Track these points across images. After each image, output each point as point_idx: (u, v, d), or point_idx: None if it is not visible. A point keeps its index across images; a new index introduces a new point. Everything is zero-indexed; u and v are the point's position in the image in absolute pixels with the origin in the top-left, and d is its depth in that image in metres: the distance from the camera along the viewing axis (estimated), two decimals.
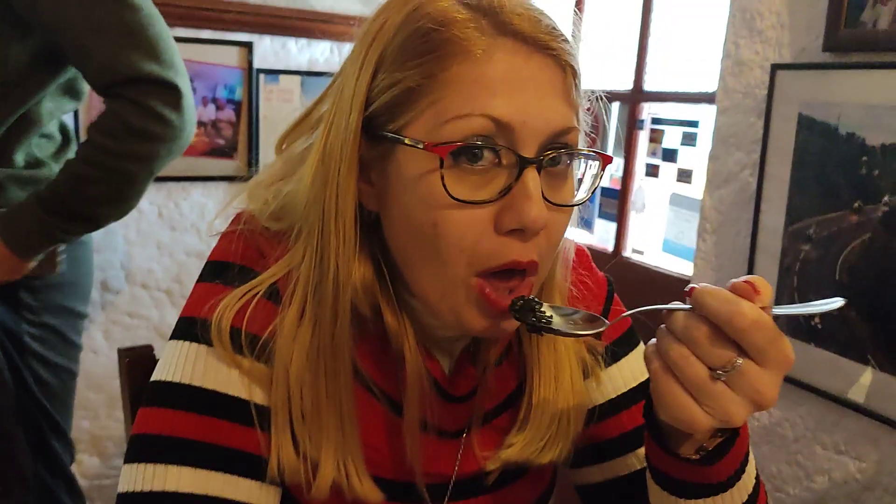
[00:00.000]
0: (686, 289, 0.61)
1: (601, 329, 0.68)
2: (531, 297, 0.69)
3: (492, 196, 0.65)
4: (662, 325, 0.63)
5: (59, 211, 1.49)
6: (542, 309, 0.69)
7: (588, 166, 0.74)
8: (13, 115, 1.52)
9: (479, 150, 0.65)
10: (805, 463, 1.72)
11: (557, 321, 0.68)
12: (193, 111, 1.55)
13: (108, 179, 1.49)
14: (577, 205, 0.72)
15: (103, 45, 1.43)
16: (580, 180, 0.75)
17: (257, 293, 0.73)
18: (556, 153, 0.67)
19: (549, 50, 0.67)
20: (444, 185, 0.64)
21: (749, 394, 0.59)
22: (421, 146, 0.65)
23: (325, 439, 0.71)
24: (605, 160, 0.72)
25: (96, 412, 2.59)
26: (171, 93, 1.48)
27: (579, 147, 0.71)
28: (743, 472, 0.71)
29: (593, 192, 0.74)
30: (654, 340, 0.64)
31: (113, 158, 1.47)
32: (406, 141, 0.66)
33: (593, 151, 0.72)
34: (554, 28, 0.68)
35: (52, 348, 1.71)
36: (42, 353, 1.68)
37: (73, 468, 2.45)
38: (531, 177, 0.65)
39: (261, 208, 0.78)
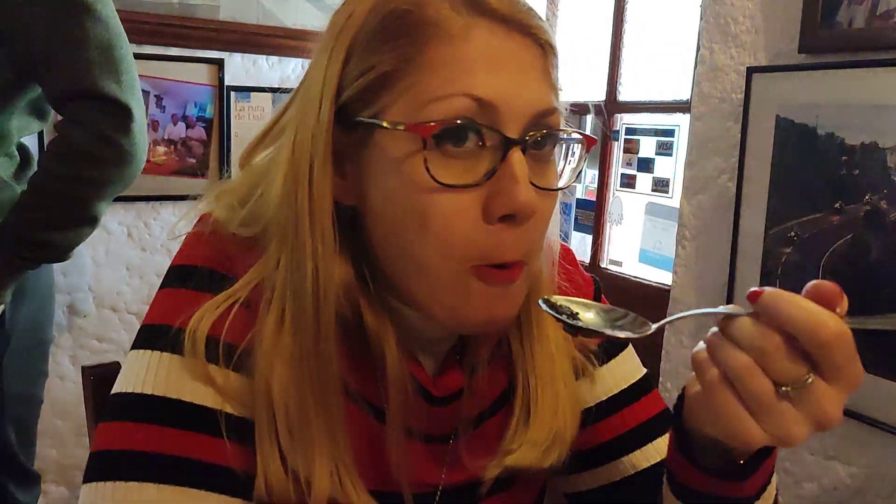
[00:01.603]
0: (750, 292, 0.55)
1: (647, 332, 0.62)
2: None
3: (477, 179, 0.63)
4: (714, 331, 0.58)
5: (14, 241, 1.46)
6: (566, 304, 0.64)
7: (570, 151, 0.72)
8: None
9: (462, 131, 0.62)
10: (793, 469, 1.70)
11: (593, 320, 0.63)
12: (145, 137, 1.53)
13: (58, 205, 1.47)
14: (563, 188, 0.70)
15: (68, 56, 1.41)
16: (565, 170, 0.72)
17: (234, 300, 0.69)
18: (540, 134, 0.65)
19: (527, 29, 0.65)
20: (428, 168, 0.61)
21: (814, 413, 0.54)
22: (402, 128, 0.63)
23: (317, 453, 0.67)
24: (589, 142, 0.70)
25: (63, 440, 2.50)
26: (124, 116, 1.46)
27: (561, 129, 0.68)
28: (769, 482, 0.68)
29: (578, 176, 0.71)
30: (701, 346, 0.59)
31: (61, 183, 1.45)
32: (385, 124, 0.64)
33: (577, 132, 0.70)
34: (530, 8, 0.67)
35: (18, 376, 1.64)
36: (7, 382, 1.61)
37: (39, 499, 2.36)
38: (517, 158, 0.63)
39: (228, 215, 0.74)
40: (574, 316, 0.63)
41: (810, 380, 0.53)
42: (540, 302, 0.64)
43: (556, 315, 0.63)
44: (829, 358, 0.52)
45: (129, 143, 1.47)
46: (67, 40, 1.40)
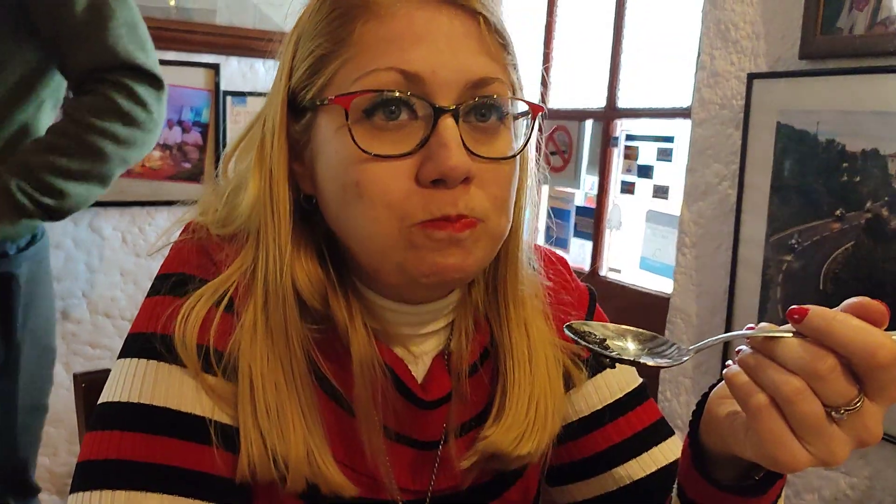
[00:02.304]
0: (792, 310, 0.53)
1: (686, 359, 0.60)
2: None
3: (409, 149, 0.64)
4: (750, 353, 0.56)
5: (24, 175, 1.43)
6: (591, 330, 0.62)
7: (526, 123, 0.72)
8: (14, 125, 1.52)
9: (391, 102, 0.63)
10: (794, 481, 1.68)
11: (630, 349, 0.61)
12: (165, 109, 1.60)
13: (80, 154, 1.47)
14: (510, 158, 0.68)
15: (100, 31, 1.47)
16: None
17: (215, 301, 0.70)
18: (473, 102, 0.65)
19: (458, 1, 0.66)
20: (353, 138, 0.63)
21: (859, 432, 0.53)
22: (327, 102, 0.65)
23: (291, 432, 0.68)
24: (535, 110, 0.70)
25: (56, 448, 2.48)
26: (157, 86, 1.54)
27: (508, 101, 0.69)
28: (780, 497, 0.68)
29: (526, 145, 0.71)
30: (734, 369, 0.57)
31: (92, 134, 1.47)
32: (317, 102, 0.66)
33: (519, 99, 0.69)
34: None
35: (29, 386, 1.63)
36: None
37: None
38: (447, 125, 0.63)
39: (210, 218, 0.76)
40: (602, 342, 0.61)
41: (860, 402, 0.52)
42: (565, 329, 0.63)
43: (586, 344, 0.61)
44: (882, 379, 0.51)
45: (158, 111, 1.55)
46: (96, 17, 1.45)
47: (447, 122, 0.63)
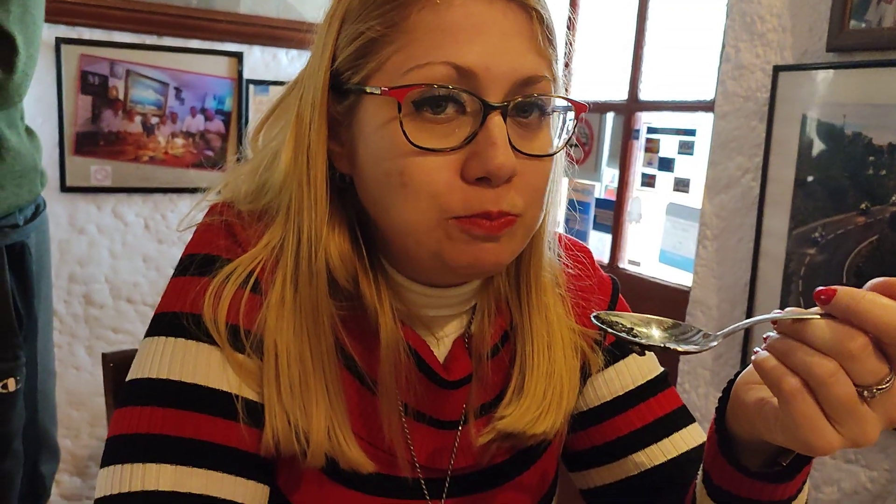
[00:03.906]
0: (819, 290, 0.53)
1: (714, 344, 0.60)
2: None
3: (456, 144, 0.64)
4: (779, 337, 0.56)
5: None
6: (618, 319, 0.63)
7: (566, 120, 0.72)
8: None
9: (441, 98, 0.63)
10: (813, 473, 1.68)
11: (656, 336, 0.62)
12: (26, 76, 1.44)
13: None
14: (551, 155, 0.69)
15: None
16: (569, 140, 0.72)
17: (241, 283, 0.70)
18: (522, 99, 0.65)
19: None
20: (404, 132, 0.63)
21: (889, 411, 0.53)
22: (379, 92, 0.64)
23: (314, 407, 0.69)
24: (579, 108, 0.70)
25: (78, 430, 2.51)
26: (4, 46, 1.37)
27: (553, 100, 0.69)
28: (805, 484, 0.68)
29: (568, 142, 0.72)
30: (763, 355, 0.57)
31: None
32: (367, 90, 0.66)
33: (565, 98, 0.70)
34: None
35: (43, 352, 1.66)
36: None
37: (53, 488, 2.37)
38: (495, 123, 0.63)
39: (237, 195, 0.77)
40: (630, 331, 0.62)
41: (891, 380, 0.52)
42: (593, 318, 0.64)
43: (615, 333, 0.62)
44: None
45: (5, 76, 1.38)
46: None
47: (496, 119, 0.63)
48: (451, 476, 0.79)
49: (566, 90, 0.73)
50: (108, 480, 0.65)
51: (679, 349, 0.60)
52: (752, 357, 0.58)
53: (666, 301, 2.09)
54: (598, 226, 2.51)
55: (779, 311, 0.56)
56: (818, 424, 0.53)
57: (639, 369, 0.86)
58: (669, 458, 0.82)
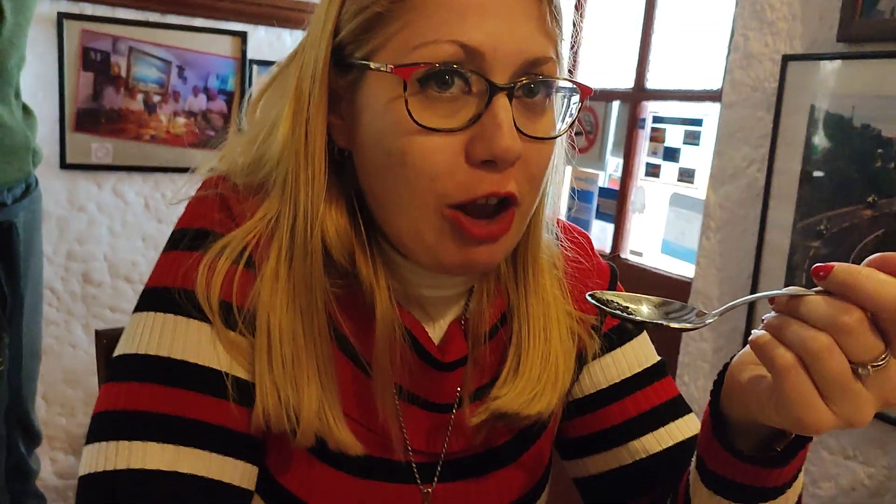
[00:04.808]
0: (816, 266, 0.53)
1: (709, 321, 0.60)
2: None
3: (461, 124, 0.63)
4: (776, 315, 0.55)
5: None
6: (613, 298, 0.63)
7: (570, 102, 0.71)
8: None
9: (447, 75, 0.62)
10: (811, 469, 1.66)
11: (648, 314, 0.61)
12: (12, 44, 1.41)
13: None
14: (555, 137, 0.68)
15: None
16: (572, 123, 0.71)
17: (235, 258, 0.69)
18: (529, 80, 0.64)
19: None
20: (409, 111, 0.62)
21: (884, 391, 0.52)
22: (386, 69, 0.63)
23: (305, 385, 0.68)
24: (584, 91, 0.69)
25: (73, 409, 2.51)
26: None
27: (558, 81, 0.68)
28: (800, 472, 0.67)
29: (572, 125, 0.71)
30: (759, 332, 0.56)
31: None
32: (372, 66, 0.64)
33: (570, 81, 0.68)
34: None
35: (29, 332, 1.65)
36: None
37: (47, 466, 2.37)
38: (501, 104, 0.62)
39: (234, 168, 0.75)
40: (625, 310, 0.62)
41: (887, 357, 0.51)
42: (588, 297, 0.63)
43: (609, 310, 0.61)
44: None
45: None
46: None
47: (502, 101, 0.62)
48: (443, 460, 0.78)
49: (571, 73, 0.72)
50: (93, 457, 0.64)
51: (672, 325, 0.60)
52: (749, 338, 0.57)
53: (667, 292, 2.07)
54: (601, 215, 2.49)
55: (790, 287, 0.55)
56: (811, 401, 0.52)
57: (636, 357, 0.85)
58: (664, 447, 0.82)
